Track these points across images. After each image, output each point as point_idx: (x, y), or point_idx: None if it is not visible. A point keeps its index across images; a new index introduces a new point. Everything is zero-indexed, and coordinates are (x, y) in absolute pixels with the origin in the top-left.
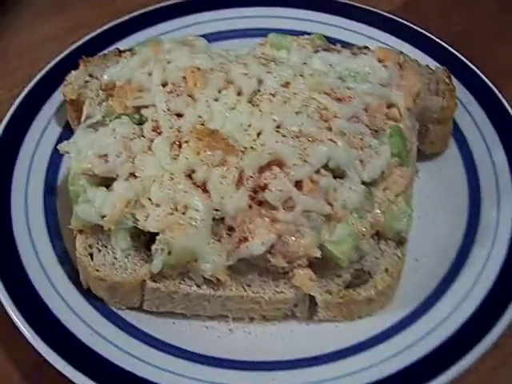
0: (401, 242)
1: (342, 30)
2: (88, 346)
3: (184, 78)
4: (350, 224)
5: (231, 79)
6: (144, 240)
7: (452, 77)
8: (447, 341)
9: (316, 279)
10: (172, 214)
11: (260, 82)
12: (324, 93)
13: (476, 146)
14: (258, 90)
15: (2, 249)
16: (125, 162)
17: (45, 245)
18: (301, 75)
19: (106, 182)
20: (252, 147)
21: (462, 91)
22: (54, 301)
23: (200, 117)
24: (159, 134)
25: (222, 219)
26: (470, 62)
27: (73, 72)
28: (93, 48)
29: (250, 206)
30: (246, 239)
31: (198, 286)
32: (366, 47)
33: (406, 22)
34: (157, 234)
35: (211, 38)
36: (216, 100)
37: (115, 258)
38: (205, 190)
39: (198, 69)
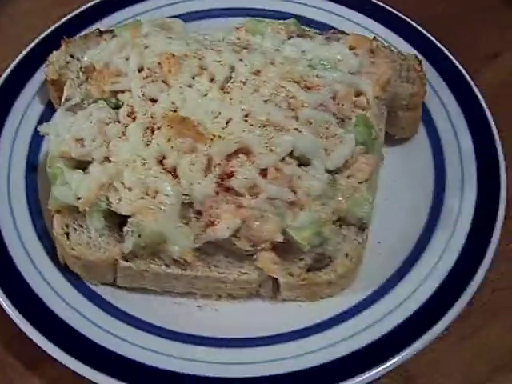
0: (362, 227)
1: (319, 10)
2: (63, 319)
3: (159, 63)
4: (313, 211)
5: (205, 66)
6: (117, 221)
7: (424, 62)
8: (407, 320)
9: (279, 262)
10: (143, 198)
11: (232, 69)
12: (293, 81)
13: (444, 133)
14: (231, 77)
15: None
16: (100, 147)
17: (25, 222)
18: (272, 63)
19: (83, 165)
20: (220, 136)
21: (434, 76)
22: (32, 275)
23: (173, 103)
24: (134, 119)
25: (191, 204)
26: (445, 45)
27: (54, 52)
28: (74, 27)
29: (217, 193)
30: (212, 223)
31: (167, 266)
32: (342, 32)
33: (380, 3)
34: (129, 216)
35: (190, 17)
36: (189, 86)
37: (90, 238)
38: (175, 176)
39: (173, 55)
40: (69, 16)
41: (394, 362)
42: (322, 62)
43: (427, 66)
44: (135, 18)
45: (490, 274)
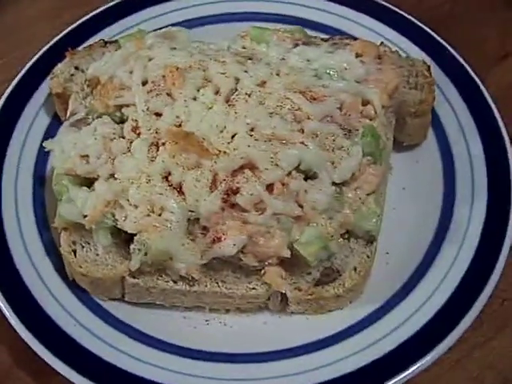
0: (370, 240)
1: (325, 13)
2: (70, 335)
3: (163, 76)
4: (319, 225)
5: (209, 77)
6: (124, 237)
7: (433, 65)
8: (415, 335)
9: (286, 276)
10: (149, 215)
11: (237, 80)
12: (299, 92)
13: (454, 139)
14: (236, 89)
15: None
16: (105, 164)
17: (33, 236)
18: (277, 74)
19: (89, 181)
20: (225, 151)
21: (443, 80)
22: (40, 290)
23: (178, 117)
24: (138, 135)
25: (197, 219)
26: (454, 46)
27: (59, 65)
28: (79, 36)
29: (223, 209)
30: (218, 239)
31: (175, 282)
32: (348, 36)
33: (386, 4)
34: (135, 233)
35: (195, 23)
36: (194, 99)
37: (97, 255)
38: (180, 192)
39: (177, 68)
40: (73, 25)
41: (403, 377)
42: (327, 71)
43: (436, 70)
44: (140, 25)
45: (499, 285)
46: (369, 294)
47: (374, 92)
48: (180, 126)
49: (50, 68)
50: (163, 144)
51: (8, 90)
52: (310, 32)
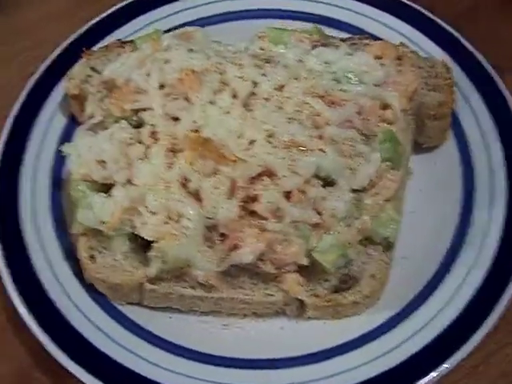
0: (388, 246)
1: (344, 10)
2: (87, 339)
3: (180, 79)
4: (337, 233)
5: (227, 81)
6: (142, 242)
7: (453, 66)
8: (433, 342)
9: (304, 283)
10: (166, 222)
11: (255, 84)
12: (318, 96)
13: (474, 142)
14: (253, 93)
15: (10, 243)
16: (122, 169)
17: (51, 239)
18: (295, 78)
19: (106, 186)
20: (243, 160)
21: (463, 80)
22: (58, 295)
23: (195, 122)
24: (156, 140)
25: (215, 226)
26: (475, 45)
27: (75, 66)
28: (94, 36)
29: (241, 216)
30: (236, 247)
31: (192, 288)
32: (367, 35)
33: (406, 1)
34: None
35: (211, 20)
36: (211, 103)
37: (115, 260)
38: (198, 199)
39: (194, 71)
40: (88, 24)
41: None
42: (346, 74)
43: (456, 69)
44: (155, 23)
45: None
46: (386, 299)
47: (394, 96)
48: (197, 131)
49: (65, 68)
50: (181, 150)
51: (24, 92)
52: (327, 30)
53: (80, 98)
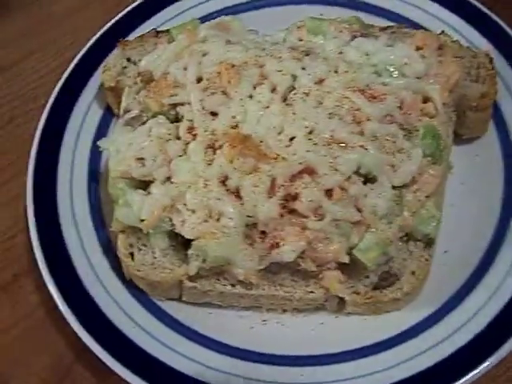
0: (429, 243)
1: None
2: (127, 336)
3: (218, 73)
4: (379, 230)
5: (266, 74)
6: (181, 240)
7: (496, 55)
8: (474, 339)
9: (344, 280)
10: (206, 221)
11: (294, 77)
12: (358, 90)
13: None
14: (293, 87)
15: (48, 238)
16: (161, 166)
17: (89, 234)
18: (335, 71)
19: (145, 183)
20: (283, 158)
21: (506, 70)
22: (97, 291)
23: (234, 117)
24: (194, 136)
25: (255, 224)
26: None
27: (110, 56)
28: (128, 24)
29: (282, 215)
30: (277, 245)
31: (232, 286)
32: (406, 26)
33: None
34: None
35: (245, 7)
36: (250, 97)
37: (154, 258)
38: (238, 197)
39: (232, 66)
40: (123, 13)
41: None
42: (387, 67)
43: (498, 59)
44: (190, 10)
45: None
46: (426, 294)
47: (435, 89)
48: (236, 126)
49: (101, 57)
50: (220, 147)
51: (59, 83)
52: (366, 17)
53: (116, 90)
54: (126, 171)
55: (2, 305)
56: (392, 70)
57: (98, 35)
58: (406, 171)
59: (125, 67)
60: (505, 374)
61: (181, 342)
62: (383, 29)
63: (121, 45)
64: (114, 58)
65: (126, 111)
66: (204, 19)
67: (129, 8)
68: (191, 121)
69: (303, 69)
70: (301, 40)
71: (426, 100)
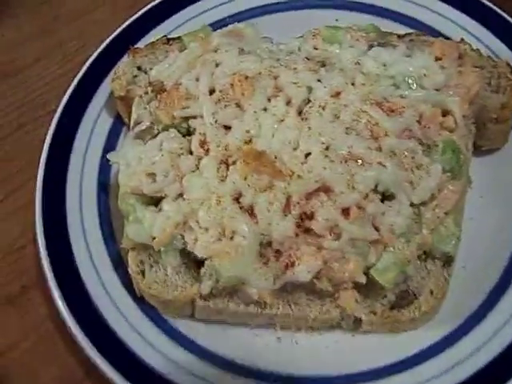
0: (448, 261)
1: (403, 1)
2: (138, 355)
3: (232, 85)
4: (397, 249)
5: (280, 86)
6: (194, 257)
7: None
8: (495, 359)
9: (361, 300)
10: (219, 239)
11: (310, 89)
12: (376, 103)
13: None
14: (309, 100)
15: (57, 251)
16: (172, 183)
17: (99, 247)
18: (352, 84)
19: (156, 199)
20: (299, 175)
21: None
22: (107, 308)
23: (248, 131)
24: (206, 151)
25: (270, 242)
26: None
27: (120, 64)
28: (138, 31)
29: (297, 234)
30: (292, 264)
31: (246, 305)
32: (425, 33)
33: None
34: None
35: (257, 12)
36: (264, 110)
37: (166, 275)
38: (252, 215)
39: (246, 77)
40: (133, 18)
41: None
42: (405, 79)
43: None
44: (202, 15)
45: None
46: (444, 312)
47: (455, 101)
48: (250, 141)
49: (111, 64)
50: (233, 162)
51: (69, 91)
52: (382, 21)
53: (126, 99)
54: (136, 187)
55: (10, 317)
56: (410, 81)
57: (108, 41)
58: (425, 188)
59: (135, 76)
60: None
61: (194, 361)
62: (401, 37)
63: (131, 52)
64: (124, 67)
65: (137, 123)
66: (216, 24)
67: (139, 13)
68: (203, 134)
69: (319, 81)
70: (316, 49)
71: (445, 113)
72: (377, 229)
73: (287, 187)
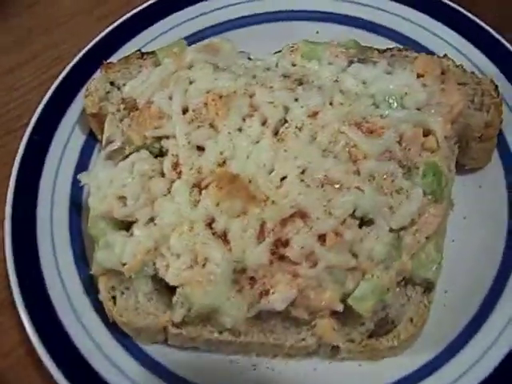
0: (429, 288)
1: (384, 13)
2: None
3: (206, 104)
4: (375, 277)
5: (256, 105)
6: (166, 283)
7: (501, 80)
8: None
9: (338, 328)
10: (191, 266)
11: (286, 109)
12: (354, 123)
13: None
14: (285, 120)
15: (28, 284)
16: (144, 207)
17: (70, 272)
18: (330, 103)
19: (127, 223)
20: (274, 201)
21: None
22: (78, 335)
23: (221, 153)
24: (179, 173)
25: (244, 269)
26: None
27: (93, 81)
28: (112, 43)
29: (271, 261)
30: (267, 292)
31: (220, 333)
32: (406, 48)
33: (451, 4)
34: None
35: (235, 24)
36: (239, 130)
37: (138, 302)
38: (225, 241)
39: (220, 97)
40: (107, 30)
41: None
42: (386, 98)
43: (505, 84)
44: (178, 27)
45: None
46: (425, 338)
47: (437, 121)
48: (224, 163)
49: (85, 78)
50: (206, 186)
51: (41, 106)
52: (366, 34)
53: (99, 116)
54: (107, 211)
55: None
56: (391, 100)
57: (81, 54)
58: (406, 213)
59: (108, 92)
60: None
61: None
62: (382, 52)
63: (104, 68)
64: (97, 82)
65: (108, 142)
66: (193, 37)
67: (114, 24)
68: (176, 156)
69: (296, 100)
70: (294, 65)
71: (426, 133)
72: (355, 255)
73: (261, 213)
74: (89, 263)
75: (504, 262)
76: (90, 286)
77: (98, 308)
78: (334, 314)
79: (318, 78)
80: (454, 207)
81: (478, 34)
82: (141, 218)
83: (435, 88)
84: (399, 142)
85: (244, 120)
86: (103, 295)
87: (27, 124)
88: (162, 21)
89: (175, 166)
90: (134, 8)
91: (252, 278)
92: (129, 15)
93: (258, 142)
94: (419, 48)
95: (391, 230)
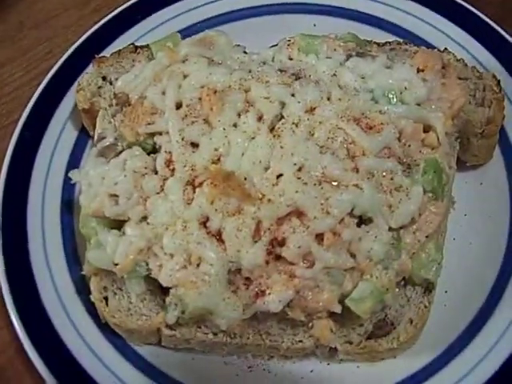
0: (429, 288)
1: (385, 6)
2: None
3: (200, 99)
4: (374, 277)
5: (251, 100)
6: (159, 284)
7: (504, 75)
8: None
9: (336, 330)
10: (185, 266)
11: (283, 104)
12: (353, 119)
13: None
14: (281, 116)
15: (19, 283)
16: (136, 205)
17: (62, 272)
18: (328, 98)
19: (119, 222)
20: (269, 199)
21: None
22: (69, 335)
23: (216, 150)
24: (172, 171)
25: (239, 269)
26: None
27: (84, 75)
28: (105, 37)
29: (267, 262)
30: (262, 293)
31: (215, 334)
32: (406, 42)
33: (458, 0)
34: None
35: (231, 17)
36: (234, 126)
37: (130, 303)
38: (220, 240)
39: (215, 92)
40: (99, 24)
41: None
42: (385, 93)
43: (508, 80)
44: (172, 20)
45: None
46: (425, 339)
47: (438, 117)
48: (219, 159)
49: (76, 73)
50: (200, 184)
51: (32, 101)
52: (364, 28)
53: (91, 112)
54: (98, 209)
55: None
56: (390, 96)
57: (72, 48)
58: (405, 212)
59: (100, 87)
60: None
61: None
62: (381, 46)
63: (96, 62)
64: (89, 77)
65: (100, 138)
66: (187, 30)
67: (106, 18)
68: (169, 153)
69: (293, 95)
70: (291, 59)
71: (427, 129)
72: (353, 255)
73: (257, 212)
74: (81, 263)
75: (506, 260)
76: (82, 287)
77: (90, 309)
78: (332, 315)
79: (315, 72)
80: (454, 205)
81: (480, 28)
82: (133, 216)
83: (436, 83)
84: (399, 139)
85: (239, 116)
86: (95, 296)
87: (18, 120)
88: (155, 14)
89: (168, 162)
90: (128, 1)
91: (247, 279)
92: (122, 8)
93: (253, 139)
94: (419, 42)
95: (390, 229)
